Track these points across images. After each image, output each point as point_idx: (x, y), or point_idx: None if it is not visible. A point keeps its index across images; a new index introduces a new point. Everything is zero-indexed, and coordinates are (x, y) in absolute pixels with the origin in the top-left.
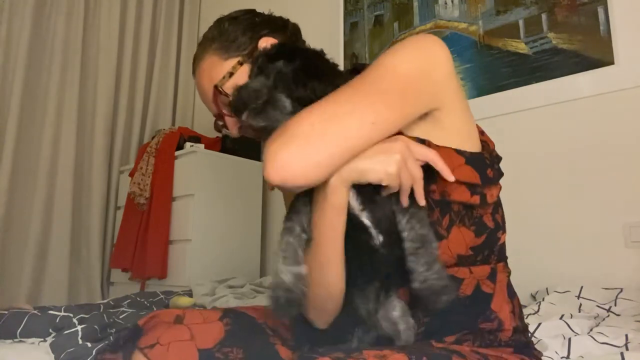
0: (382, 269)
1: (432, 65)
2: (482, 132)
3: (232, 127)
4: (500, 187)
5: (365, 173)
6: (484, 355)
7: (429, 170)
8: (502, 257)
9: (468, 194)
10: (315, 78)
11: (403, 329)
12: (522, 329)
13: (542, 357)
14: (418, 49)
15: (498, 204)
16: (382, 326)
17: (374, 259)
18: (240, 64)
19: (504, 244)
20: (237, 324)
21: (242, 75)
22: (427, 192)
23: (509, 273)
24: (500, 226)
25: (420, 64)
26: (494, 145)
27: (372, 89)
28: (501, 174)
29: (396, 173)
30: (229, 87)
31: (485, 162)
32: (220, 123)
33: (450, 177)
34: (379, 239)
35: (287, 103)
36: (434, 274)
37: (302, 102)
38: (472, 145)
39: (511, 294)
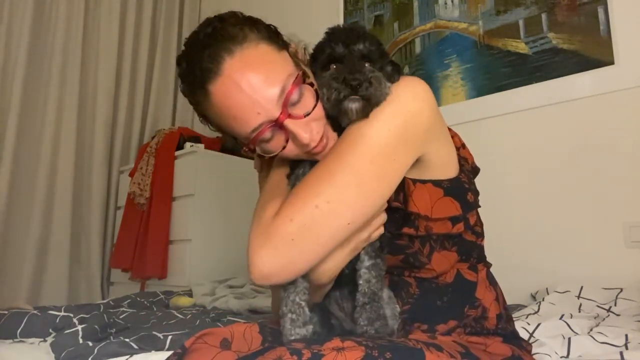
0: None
1: (412, 124)
2: (462, 145)
3: (304, 128)
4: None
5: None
6: (464, 345)
7: (403, 214)
8: (482, 258)
9: (449, 225)
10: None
11: (389, 315)
12: (506, 318)
13: (542, 357)
14: (395, 114)
15: (477, 216)
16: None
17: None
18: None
19: (482, 246)
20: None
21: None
22: (401, 234)
23: (489, 266)
24: (480, 234)
25: (400, 128)
26: (472, 159)
27: (353, 179)
28: (478, 193)
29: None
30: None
31: (463, 187)
32: (267, 137)
33: None
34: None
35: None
36: (372, 330)
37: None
38: (451, 170)
39: (492, 282)
